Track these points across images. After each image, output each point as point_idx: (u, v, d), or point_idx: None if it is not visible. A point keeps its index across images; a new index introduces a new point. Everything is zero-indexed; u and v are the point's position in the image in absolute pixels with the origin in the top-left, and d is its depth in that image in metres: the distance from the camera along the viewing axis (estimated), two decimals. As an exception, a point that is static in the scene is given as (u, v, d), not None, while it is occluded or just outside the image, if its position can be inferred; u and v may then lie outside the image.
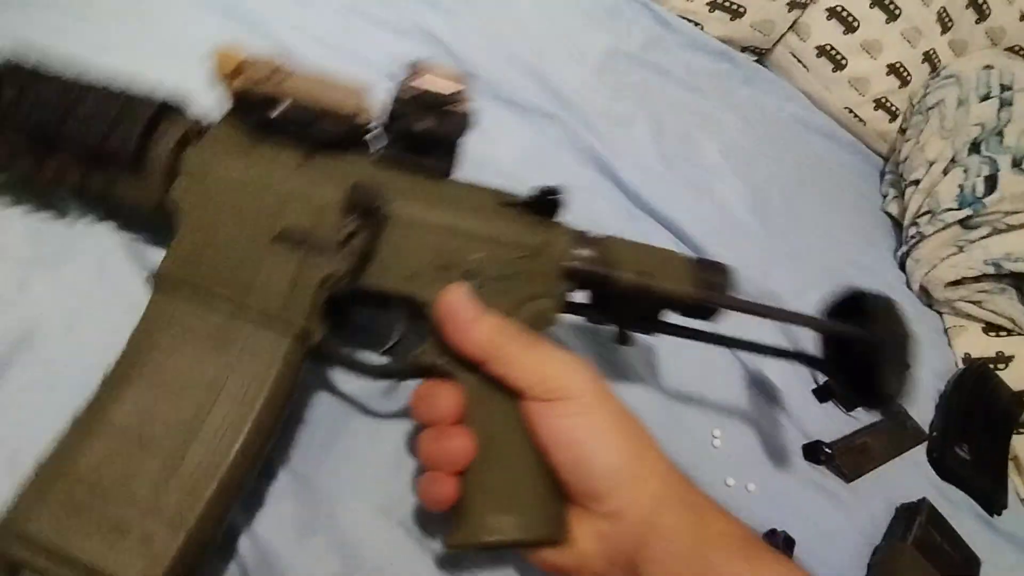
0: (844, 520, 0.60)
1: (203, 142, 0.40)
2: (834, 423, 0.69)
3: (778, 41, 1.14)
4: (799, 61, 1.14)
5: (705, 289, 0.45)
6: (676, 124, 0.91)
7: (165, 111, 0.40)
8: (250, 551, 0.36)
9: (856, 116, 1.16)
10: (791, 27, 1.12)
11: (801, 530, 0.55)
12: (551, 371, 0.35)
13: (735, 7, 1.05)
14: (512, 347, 0.36)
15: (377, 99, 0.43)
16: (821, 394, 0.69)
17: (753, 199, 0.89)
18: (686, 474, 0.36)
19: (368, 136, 0.44)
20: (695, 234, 0.75)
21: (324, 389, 0.44)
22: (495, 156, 0.68)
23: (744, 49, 1.11)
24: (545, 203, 0.44)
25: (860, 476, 0.63)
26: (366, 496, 0.41)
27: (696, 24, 1.06)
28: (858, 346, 0.49)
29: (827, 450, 0.62)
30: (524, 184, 0.69)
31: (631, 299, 0.44)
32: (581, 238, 0.45)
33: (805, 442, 0.64)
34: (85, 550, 0.28)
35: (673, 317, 0.47)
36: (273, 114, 0.40)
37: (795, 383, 0.69)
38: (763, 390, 0.67)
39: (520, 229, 0.43)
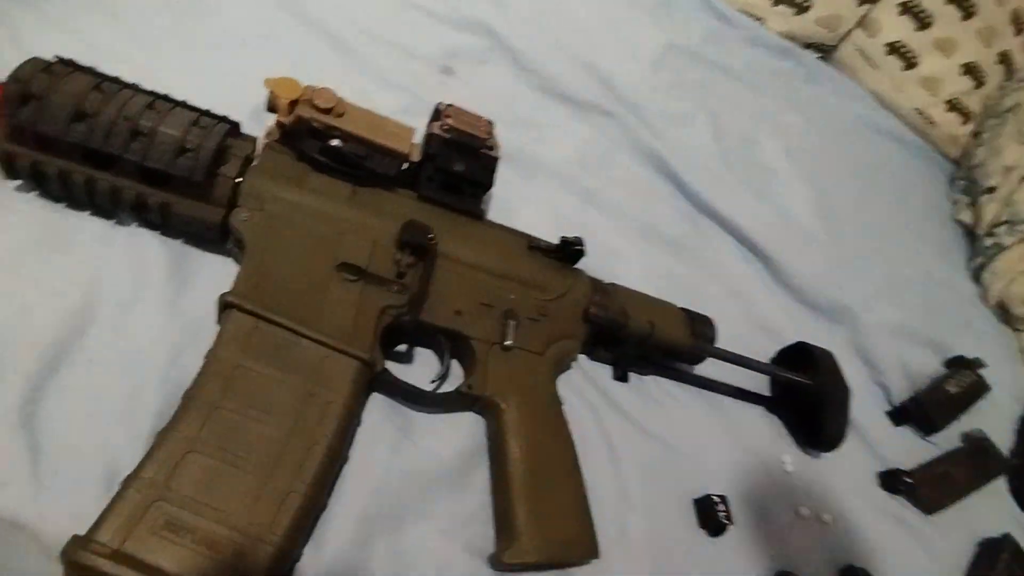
0: (924, 556, 0.56)
1: (257, 167, 0.41)
2: (909, 449, 0.64)
3: (845, 37, 1.07)
4: (867, 59, 1.07)
5: (698, 339, 0.51)
6: (737, 124, 0.86)
7: (229, 134, 0.40)
8: (314, 557, 0.35)
9: (926, 118, 1.09)
10: (859, 23, 1.06)
11: (880, 567, 0.51)
12: None
13: (800, 1, 1.00)
14: None
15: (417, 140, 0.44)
16: (897, 417, 0.64)
17: (817, 203, 0.84)
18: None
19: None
20: (758, 238, 0.71)
21: (390, 411, 0.42)
22: (550, 157, 0.65)
23: (808, 46, 1.06)
24: (570, 251, 0.47)
25: (942, 508, 0.59)
26: (430, 517, 0.39)
27: (757, 19, 1.01)
28: (806, 393, 0.56)
29: (907, 480, 0.58)
30: (580, 186, 0.66)
31: (637, 344, 0.49)
32: (599, 287, 0.49)
33: (882, 470, 0.59)
34: (182, 565, 0.28)
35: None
36: (335, 144, 0.41)
37: (869, 405, 0.65)
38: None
39: (549, 274, 0.47)
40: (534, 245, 0.48)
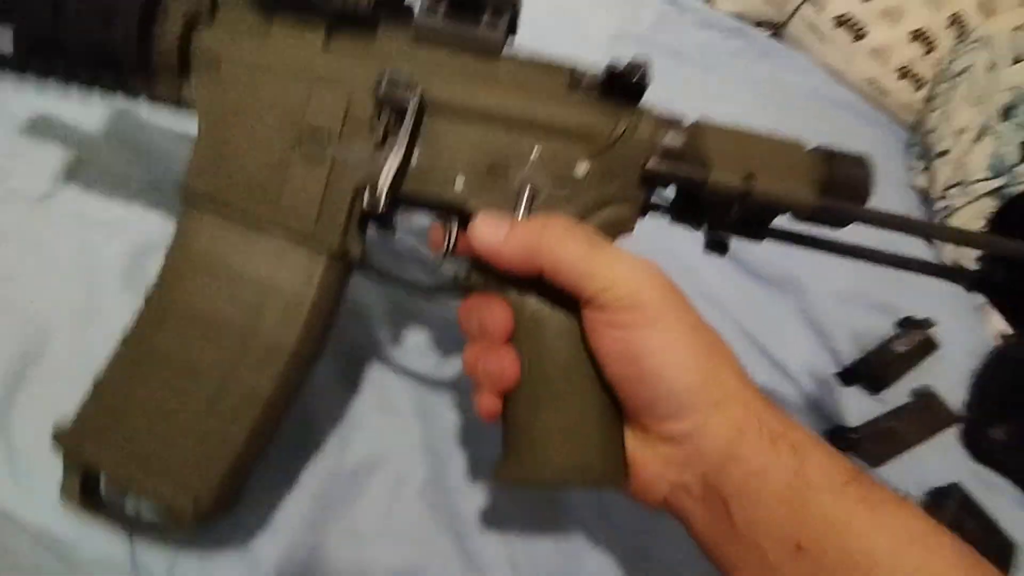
0: (871, 507, 0.58)
1: (214, 25, 0.33)
2: (859, 408, 0.67)
3: (793, 14, 1.09)
4: (817, 33, 1.10)
5: (831, 196, 0.34)
6: (690, 106, 0.87)
7: None
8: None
9: (879, 88, 1.11)
10: (807, -2, 1.08)
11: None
12: (616, 275, 0.30)
13: (747, -20, 1.01)
14: (566, 250, 0.30)
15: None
16: (846, 377, 0.67)
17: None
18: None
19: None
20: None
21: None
22: None
23: (758, 24, 1.08)
24: (625, 84, 0.34)
25: (887, 461, 0.61)
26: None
27: (706, 0, 1.03)
28: None
29: (852, 435, 0.60)
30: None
31: (723, 207, 0.34)
32: (669, 125, 0.35)
33: (827, 428, 0.62)
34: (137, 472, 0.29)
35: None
36: None
37: (816, 365, 0.67)
38: (782, 373, 0.65)
39: (592, 117, 0.34)
40: (577, 80, 0.35)
